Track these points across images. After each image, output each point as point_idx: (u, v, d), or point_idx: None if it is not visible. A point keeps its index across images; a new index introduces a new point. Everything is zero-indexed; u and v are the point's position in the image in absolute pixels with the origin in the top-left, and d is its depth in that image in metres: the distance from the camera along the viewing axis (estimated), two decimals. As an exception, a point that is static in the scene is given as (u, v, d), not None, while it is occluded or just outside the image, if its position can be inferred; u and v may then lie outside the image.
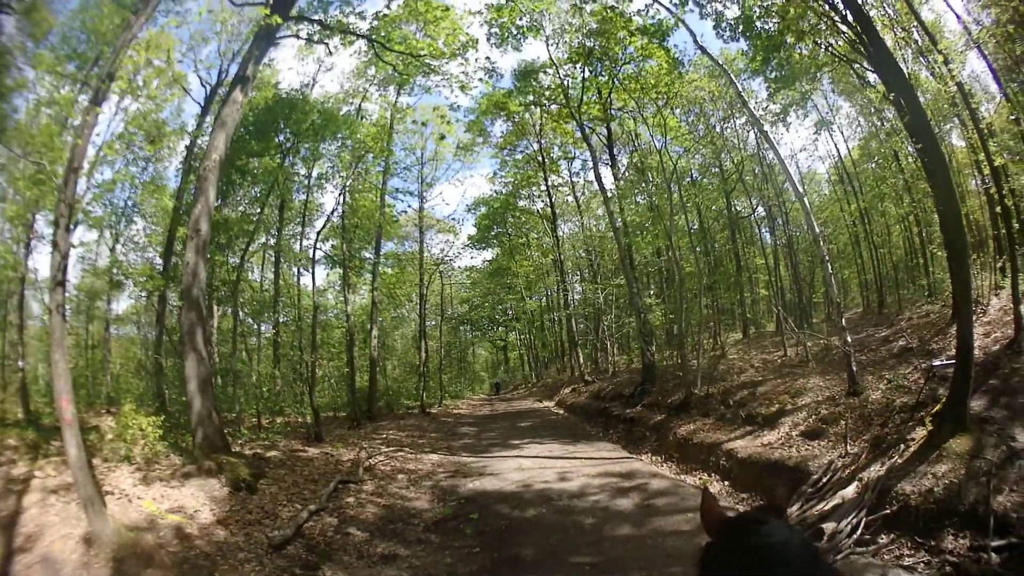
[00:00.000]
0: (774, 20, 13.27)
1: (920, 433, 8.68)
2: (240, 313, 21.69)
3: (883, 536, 7.30)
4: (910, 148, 16.06)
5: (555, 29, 23.13)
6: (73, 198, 8.45)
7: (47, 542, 6.81)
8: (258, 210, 21.15)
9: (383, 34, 18.05)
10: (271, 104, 20.16)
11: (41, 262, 15.33)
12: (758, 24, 13.63)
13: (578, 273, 44.43)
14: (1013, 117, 12.52)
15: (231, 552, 7.98)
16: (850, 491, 8.28)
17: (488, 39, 22.02)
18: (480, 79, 24.62)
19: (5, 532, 6.72)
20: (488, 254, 47.53)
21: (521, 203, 42.04)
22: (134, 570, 6.82)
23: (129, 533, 7.43)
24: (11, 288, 13.37)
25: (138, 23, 9.19)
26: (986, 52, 13.08)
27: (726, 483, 11.58)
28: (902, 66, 12.38)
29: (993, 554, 6.11)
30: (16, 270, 13.16)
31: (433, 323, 45.60)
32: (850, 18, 10.94)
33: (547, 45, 23.55)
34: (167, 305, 18.05)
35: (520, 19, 21.28)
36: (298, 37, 17.12)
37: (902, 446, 8.64)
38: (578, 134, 28.41)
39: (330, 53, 19.16)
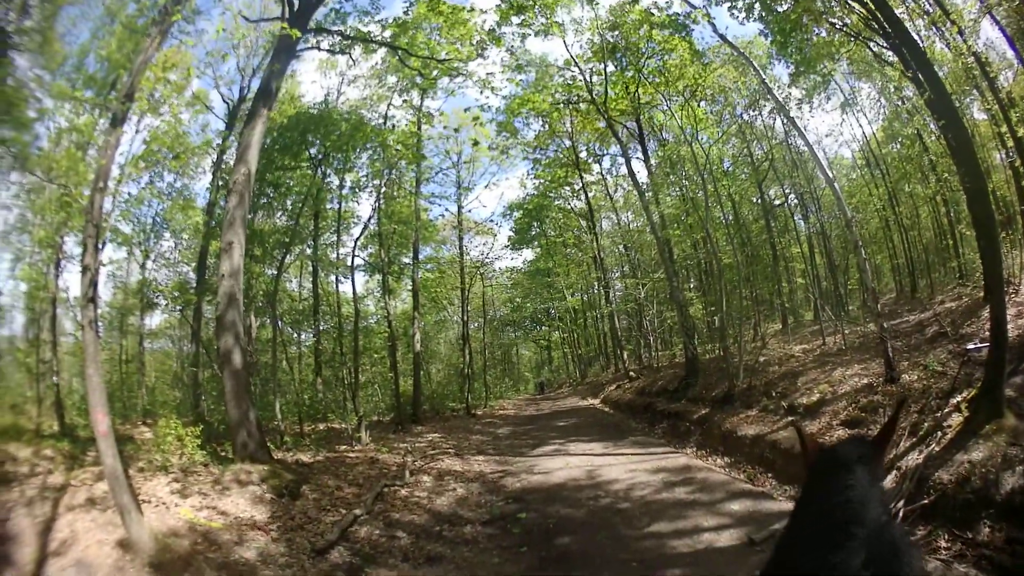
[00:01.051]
0: (789, 2, 12.99)
1: (956, 419, 8.39)
2: (279, 323, 21.79)
3: (921, 527, 7.08)
4: (932, 125, 15.53)
5: (574, 26, 22.98)
6: (100, 217, 8.55)
7: (82, 547, 6.89)
8: (293, 222, 21.24)
9: (404, 40, 18.04)
10: (299, 118, 20.24)
11: (71, 280, 15.59)
12: (771, 3, 13.33)
13: (618, 269, 44.08)
14: None
15: (272, 558, 7.96)
16: (889, 480, 8.06)
17: (507, 37, 21.84)
18: (507, 78, 24.54)
19: (40, 537, 6.84)
20: (528, 254, 47.39)
21: (557, 203, 41.88)
22: (170, 575, 6.76)
23: (166, 539, 7.44)
24: (43, 307, 13.61)
25: (152, 46, 9.29)
26: (999, 18, 12.66)
27: (770, 475, 11.37)
28: (916, 39, 12.03)
29: None
30: (47, 290, 13.37)
31: (476, 325, 45.67)
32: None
33: (565, 44, 23.41)
34: (202, 318, 18.18)
35: (537, 19, 21.05)
36: (319, 49, 17.23)
37: (939, 433, 8.36)
38: (604, 127, 28.23)
39: (353, 63, 19.19)
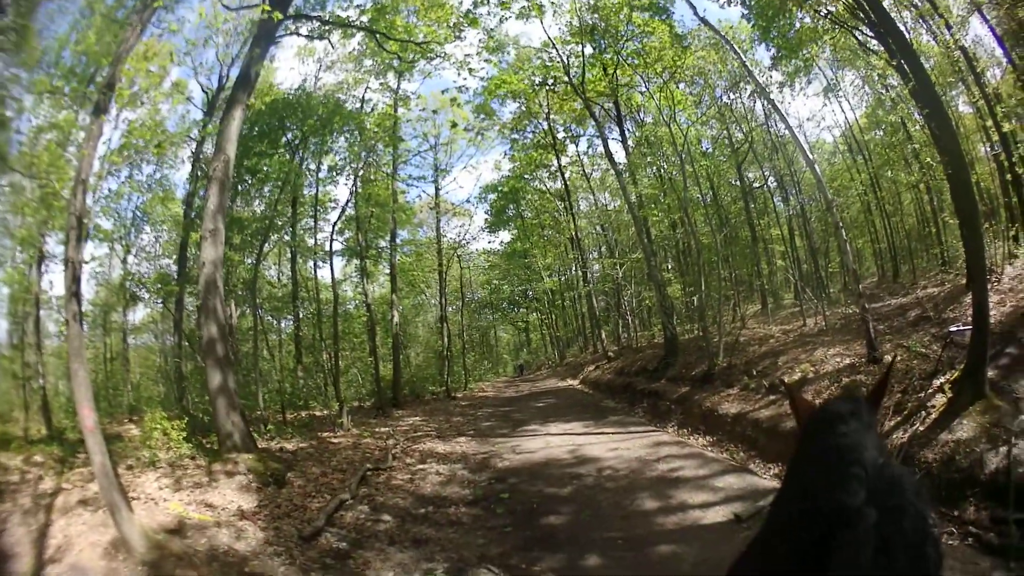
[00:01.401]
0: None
1: (940, 400, 8.60)
2: (259, 311, 21.75)
3: None
4: (917, 115, 15.74)
5: (553, 7, 22.85)
6: (82, 210, 8.47)
7: (76, 551, 6.88)
8: (271, 209, 21.16)
9: (382, 24, 17.94)
10: (276, 104, 20.10)
11: (55, 280, 15.44)
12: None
13: (596, 250, 44.21)
14: (1020, 83, 12.27)
15: (261, 547, 8.02)
16: None
17: (485, 17, 21.72)
18: (485, 60, 24.46)
19: (36, 546, 6.81)
20: (506, 236, 47.37)
21: (534, 184, 41.86)
22: (163, 572, 6.84)
23: (157, 536, 7.47)
24: (26, 309, 13.46)
25: (134, 35, 9.17)
26: (988, 16, 12.84)
27: (753, 453, 11.55)
28: (903, 29, 12.16)
29: (1014, 527, 6.04)
30: (30, 291, 13.25)
31: (454, 308, 45.69)
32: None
33: (543, 25, 23.36)
34: (184, 310, 18.13)
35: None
36: (298, 35, 17.03)
37: (923, 413, 8.58)
38: (581, 108, 28.25)
39: (331, 48, 19.09)
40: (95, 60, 11.24)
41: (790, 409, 2.11)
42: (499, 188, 41.19)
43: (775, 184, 28.81)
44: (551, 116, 34.09)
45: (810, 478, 1.53)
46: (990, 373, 8.22)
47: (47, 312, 13.95)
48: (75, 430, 10.06)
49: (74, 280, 7.91)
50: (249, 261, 20.42)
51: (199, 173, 17.83)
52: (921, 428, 8.24)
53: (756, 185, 30.04)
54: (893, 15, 12.72)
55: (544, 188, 42.26)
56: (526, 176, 40.26)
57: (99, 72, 11.03)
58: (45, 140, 11.28)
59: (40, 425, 11.54)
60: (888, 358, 11.58)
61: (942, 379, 9.03)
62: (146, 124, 15.56)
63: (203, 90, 19.89)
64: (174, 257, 19.52)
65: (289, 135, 20.58)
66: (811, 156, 16.91)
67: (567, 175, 38.51)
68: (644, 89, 25.09)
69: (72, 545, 6.96)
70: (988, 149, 15.38)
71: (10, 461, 8.64)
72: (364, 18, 17.77)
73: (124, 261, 20.74)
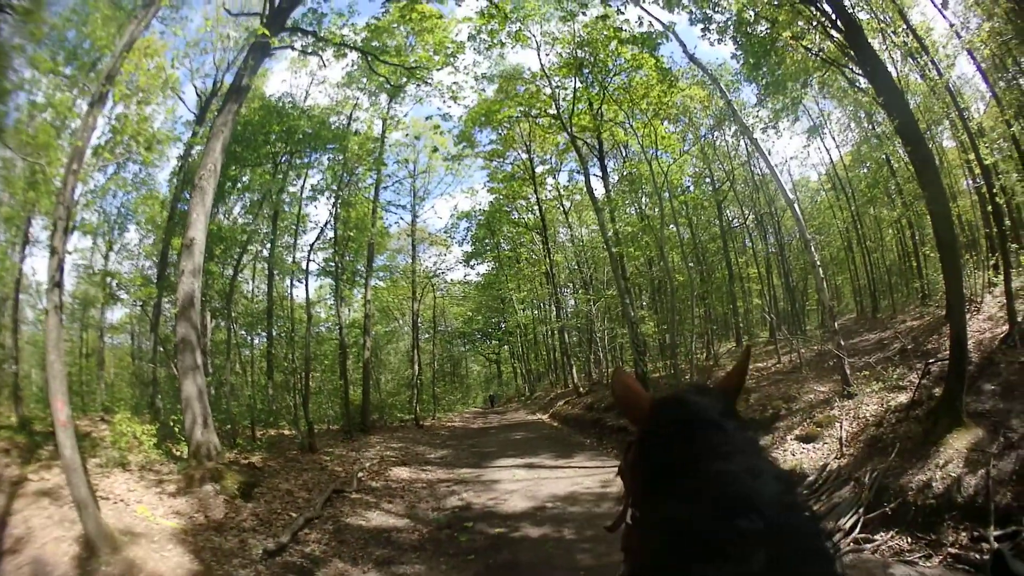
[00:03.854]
0: (765, 26, 13.42)
1: (916, 431, 8.73)
2: (233, 325, 21.62)
3: (882, 533, 7.33)
4: (901, 152, 16.18)
5: (545, 38, 23.20)
6: (72, 200, 8.48)
7: (38, 544, 6.76)
8: (251, 219, 21.14)
9: (375, 44, 18.17)
10: (262, 113, 20.17)
11: (36, 265, 15.24)
12: (749, 28, 13.75)
13: (570, 285, 44.42)
14: (1004, 118, 12.68)
15: (225, 558, 7.98)
16: (846, 491, 8.36)
17: (475, 47, 22.03)
18: (471, 88, 24.74)
19: (-7, 533, 6.68)
20: (482, 268, 47.47)
21: (512, 215, 42.07)
22: (127, 574, 6.78)
23: (123, 537, 7.39)
24: (5, 291, 13.30)
25: (138, 28, 9.24)
26: (976, 56, 13.27)
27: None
28: (891, 69, 12.55)
29: (995, 543, 6.15)
30: (11, 273, 13.11)
31: (427, 336, 45.56)
32: (839, 23, 11.07)
33: (539, 54, 23.62)
34: (161, 314, 17.99)
35: (509, 25, 21.26)
36: (292, 48, 17.19)
37: (898, 444, 8.67)
38: (565, 144, 28.59)
39: (324, 65, 19.20)
40: (99, 46, 11.29)
41: (614, 399, 1.52)
42: (472, 216, 41.47)
43: (754, 222, 29.16)
44: (531, 148, 34.45)
45: (678, 533, 1.00)
46: (968, 401, 8.40)
47: (26, 297, 13.82)
48: (45, 421, 9.93)
49: (58, 269, 7.88)
50: (227, 272, 20.33)
51: (185, 178, 17.80)
52: (897, 459, 8.33)
53: (736, 223, 30.47)
54: (883, 53, 13.21)
55: (521, 220, 42.43)
56: (506, 207, 40.42)
57: (100, 60, 11.06)
58: (40, 119, 11.25)
59: (9, 412, 11.32)
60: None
61: (918, 411, 9.19)
62: (140, 121, 15.54)
63: (197, 94, 19.94)
64: (155, 259, 19.43)
65: (274, 147, 20.59)
66: (791, 196, 17.26)
67: (544, 208, 38.78)
68: (628, 125, 25.39)
69: (34, 537, 6.84)
70: (970, 182, 15.90)
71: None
72: (359, 37, 17.98)
73: (106, 257, 20.63)
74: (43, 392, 10.11)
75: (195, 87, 20.02)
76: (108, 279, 19.48)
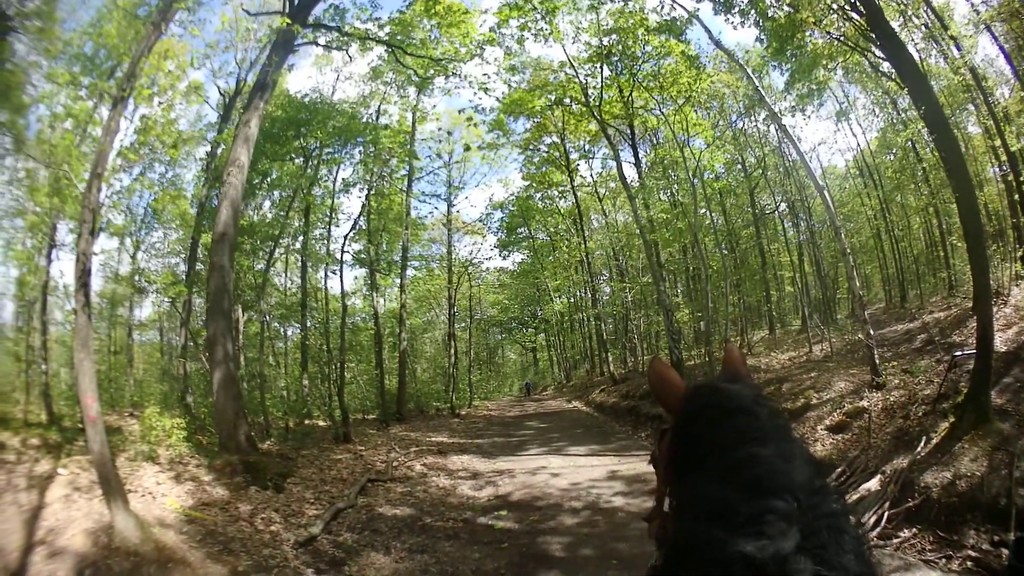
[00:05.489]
0: (786, 9, 13.11)
1: (942, 425, 8.51)
2: (266, 318, 21.75)
3: (905, 530, 7.17)
4: (927, 137, 15.74)
5: (573, 27, 22.96)
6: (96, 203, 8.54)
7: (68, 536, 6.85)
8: (283, 214, 21.22)
9: (400, 38, 18.08)
10: (292, 106, 20.24)
11: (64, 268, 15.51)
12: (770, 11, 13.44)
13: (605, 272, 44.15)
14: None
15: (256, 548, 7.99)
16: (873, 484, 8.19)
17: (502, 43, 21.89)
18: (502, 79, 24.62)
19: (27, 525, 6.77)
20: (517, 256, 47.36)
21: (543, 204, 41.90)
22: (156, 565, 6.79)
23: (152, 529, 7.43)
24: (34, 294, 13.52)
25: (155, 32, 9.25)
26: (997, 35, 12.84)
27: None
28: (913, 51, 12.16)
29: (1013, 547, 5.91)
30: (38, 276, 13.30)
31: (463, 325, 45.66)
32: (859, 5, 10.77)
33: (563, 45, 23.42)
34: (192, 310, 18.14)
35: (538, 19, 21.10)
36: (316, 44, 17.25)
37: (924, 438, 8.47)
38: (597, 131, 28.35)
39: (349, 59, 19.19)
40: (115, 55, 11.37)
41: (649, 387, 1.50)
42: (505, 206, 41.41)
43: (786, 209, 28.78)
44: (564, 134, 34.22)
45: (714, 510, 1.00)
46: (994, 396, 8.17)
47: (54, 299, 14.03)
48: (74, 418, 10.09)
49: (84, 272, 7.97)
50: (259, 267, 20.44)
51: (213, 176, 17.88)
52: (923, 453, 8.14)
53: (768, 210, 30.10)
54: (903, 34, 12.80)
55: (555, 207, 42.20)
56: (537, 195, 40.24)
57: (119, 67, 11.14)
58: (62, 128, 11.39)
59: (40, 409, 11.54)
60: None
61: (945, 404, 8.95)
62: (164, 123, 15.67)
63: (220, 92, 20.05)
64: (183, 256, 19.63)
65: (304, 141, 20.62)
66: (821, 182, 16.90)
67: (579, 195, 38.54)
68: (659, 112, 25.09)
69: (64, 529, 6.94)
70: (997, 170, 15.35)
71: (7, 440, 8.62)
72: (384, 31, 17.90)
73: (133, 257, 20.90)
74: (72, 390, 10.24)
75: (218, 87, 20.19)
76: (136, 277, 19.74)
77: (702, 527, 1.00)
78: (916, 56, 12.28)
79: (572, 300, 48.98)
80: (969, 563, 6.24)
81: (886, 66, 13.71)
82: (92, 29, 11.98)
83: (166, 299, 19.28)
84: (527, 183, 39.55)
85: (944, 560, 6.42)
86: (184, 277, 18.19)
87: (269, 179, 20.27)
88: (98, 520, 7.18)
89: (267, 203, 22.13)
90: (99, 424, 7.23)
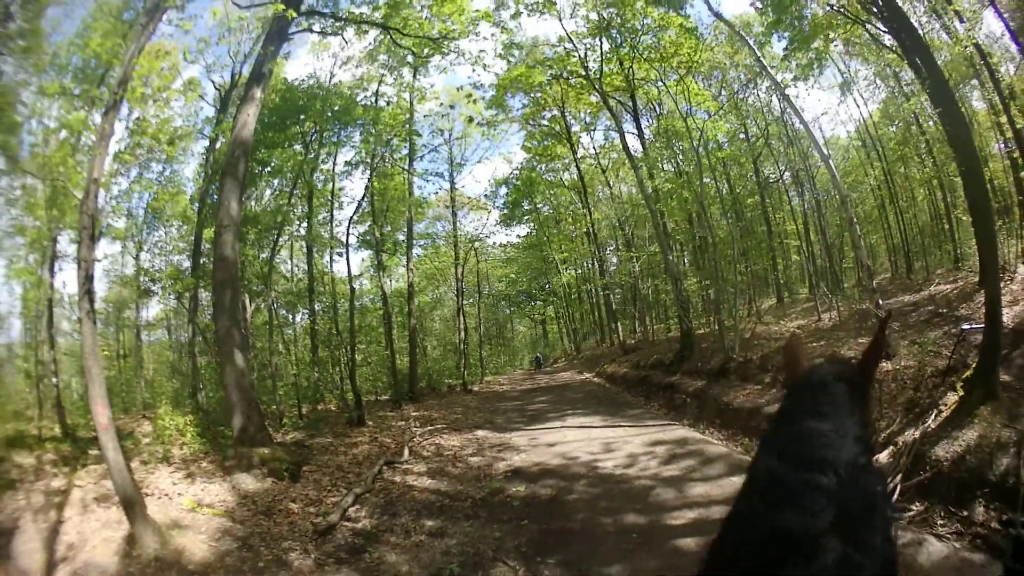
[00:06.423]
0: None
1: (952, 398, 8.45)
2: (274, 305, 21.76)
3: (917, 503, 7.17)
4: (930, 109, 15.52)
5: (570, 2, 22.75)
6: (95, 208, 8.50)
7: (89, 549, 6.93)
8: (284, 202, 21.14)
9: (396, 20, 17.90)
10: (288, 97, 20.10)
11: (67, 279, 15.49)
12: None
13: (612, 242, 44.01)
14: None
15: (275, 541, 8.04)
16: (885, 455, 8.19)
17: (498, 17, 21.68)
18: (499, 55, 24.42)
19: (48, 543, 6.83)
20: (522, 230, 47.22)
21: (549, 176, 41.70)
22: (177, 568, 6.83)
23: (171, 532, 7.51)
24: (40, 308, 13.51)
25: (145, 35, 9.15)
26: (1001, 10, 12.60)
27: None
28: (915, 24, 11.96)
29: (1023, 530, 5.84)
30: (43, 290, 13.29)
31: (471, 301, 45.74)
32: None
33: (560, 20, 23.24)
34: (199, 304, 18.14)
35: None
36: (311, 31, 17.10)
37: (935, 411, 8.42)
38: (598, 103, 28.19)
39: (346, 43, 19.03)
40: (104, 61, 11.26)
41: (783, 364, 1.57)
42: (509, 181, 41.24)
43: (790, 179, 28.73)
44: (565, 108, 33.96)
45: (766, 481, 1.07)
46: (1003, 372, 8.09)
47: (60, 311, 14.04)
48: (88, 427, 10.12)
49: (87, 279, 7.97)
50: (263, 256, 20.42)
51: (212, 169, 17.80)
52: (933, 426, 8.09)
53: (772, 179, 29.95)
54: (906, 7, 12.55)
55: (559, 180, 42.01)
56: (540, 168, 40.04)
57: (110, 72, 11.04)
58: (56, 141, 11.33)
59: (53, 423, 11.60)
60: (881, 314, 11.39)
61: (954, 378, 8.86)
62: (157, 121, 15.58)
63: (215, 87, 19.88)
64: (187, 252, 19.60)
65: (304, 127, 20.50)
66: (825, 151, 16.74)
67: (582, 167, 38.35)
68: (661, 84, 24.88)
69: (85, 542, 7.00)
70: (1002, 146, 15.15)
71: (23, 459, 8.67)
72: (378, 14, 17.72)
73: (136, 258, 20.91)
74: (84, 399, 10.25)
75: (212, 82, 19.96)
76: (141, 277, 19.74)
77: (745, 500, 1.07)
78: (919, 29, 12.06)
79: (580, 271, 48.88)
80: (979, 540, 6.22)
81: (888, 39, 13.46)
82: (79, 39, 11.89)
83: (172, 295, 19.27)
84: (529, 155, 39.29)
85: (955, 536, 6.41)
86: (188, 272, 18.20)
87: (270, 167, 20.18)
88: (117, 529, 7.23)
89: (268, 193, 22.05)
90: (111, 431, 7.27)
